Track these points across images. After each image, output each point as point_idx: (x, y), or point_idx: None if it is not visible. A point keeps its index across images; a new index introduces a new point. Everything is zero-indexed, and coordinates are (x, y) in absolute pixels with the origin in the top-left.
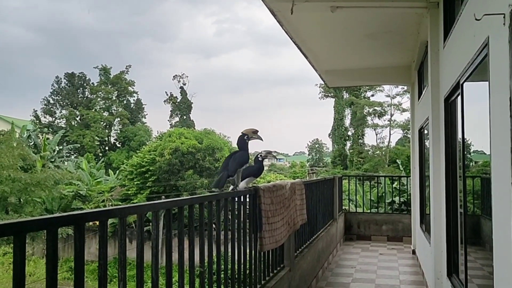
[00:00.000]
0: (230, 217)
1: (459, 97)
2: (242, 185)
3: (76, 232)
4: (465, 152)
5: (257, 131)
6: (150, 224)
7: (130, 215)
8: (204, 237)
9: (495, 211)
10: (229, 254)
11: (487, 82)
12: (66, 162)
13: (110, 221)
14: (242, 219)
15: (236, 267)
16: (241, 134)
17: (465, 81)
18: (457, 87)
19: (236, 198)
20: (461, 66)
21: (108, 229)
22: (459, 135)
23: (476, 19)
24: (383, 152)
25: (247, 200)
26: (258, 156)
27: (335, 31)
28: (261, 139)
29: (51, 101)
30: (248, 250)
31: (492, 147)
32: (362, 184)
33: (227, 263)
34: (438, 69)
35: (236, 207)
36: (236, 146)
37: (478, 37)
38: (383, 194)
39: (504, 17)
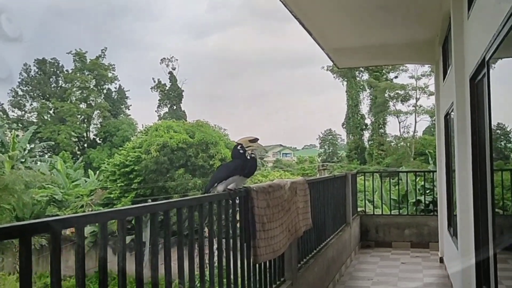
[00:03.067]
0: (216, 224)
1: (486, 76)
2: (219, 188)
3: (52, 241)
4: (504, 141)
5: (256, 139)
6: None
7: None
8: (183, 247)
9: None
10: (216, 266)
11: None
12: (38, 163)
13: (90, 229)
14: (231, 225)
15: (225, 282)
16: (235, 144)
17: (491, 57)
18: (483, 65)
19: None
20: (486, 39)
21: (88, 239)
22: (488, 121)
23: None
24: (408, 143)
25: (237, 202)
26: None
27: (342, 2)
28: (265, 150)
29: (20, 93)
30: (239, 262)
31: None
32: (381, 181)
33: (213, 276)
34: (462, 44)
35: (223, 212)
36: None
37: (504, 3)
38: (407, 192)
39: None
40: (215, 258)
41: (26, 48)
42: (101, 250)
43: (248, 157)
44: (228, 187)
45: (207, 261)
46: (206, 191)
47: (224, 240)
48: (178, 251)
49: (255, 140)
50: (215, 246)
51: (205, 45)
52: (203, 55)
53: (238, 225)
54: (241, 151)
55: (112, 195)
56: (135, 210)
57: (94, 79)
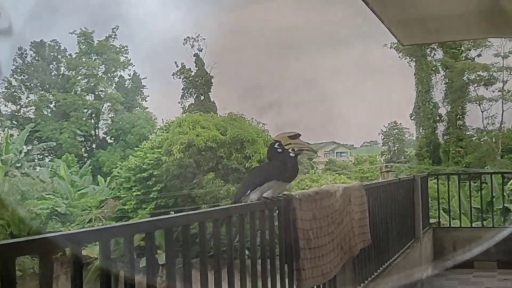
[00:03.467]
0: (249, 242)
1: None
2: (253, 196)
3: (42, 265)
4: None
5: (298, 135)
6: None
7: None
8: (207, 270)
9: None
10: None
11: None
12: (37, 168)
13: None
14: (268, 243)
15: None
16: (272, 141)
17: None
18: None
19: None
20: None
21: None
22: None
23: None
24: (494, 138)
25: (275, 214)
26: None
27: None
28: (313, 151)
29: (14, 83)
30: None
31: None
32: (459, 185)
33: None
34: None
35: (258, 226)
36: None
37: None
38: (493, 199)
39: None
40: (249, 284)
41: (19, 28)
42: (103, 277)
43: (292, 155)
44: (264, 195)
45: None
46: (237, 200)
47: (259, 261)
48: (201, 275)
49: (296, 136)
50: (249, 269)
51: (238, 21)
52: (236, 34)
53: (277, 242)
54: (279, 150)
55: (126, 207)
56: (145, 225)
57: (103, 65)
